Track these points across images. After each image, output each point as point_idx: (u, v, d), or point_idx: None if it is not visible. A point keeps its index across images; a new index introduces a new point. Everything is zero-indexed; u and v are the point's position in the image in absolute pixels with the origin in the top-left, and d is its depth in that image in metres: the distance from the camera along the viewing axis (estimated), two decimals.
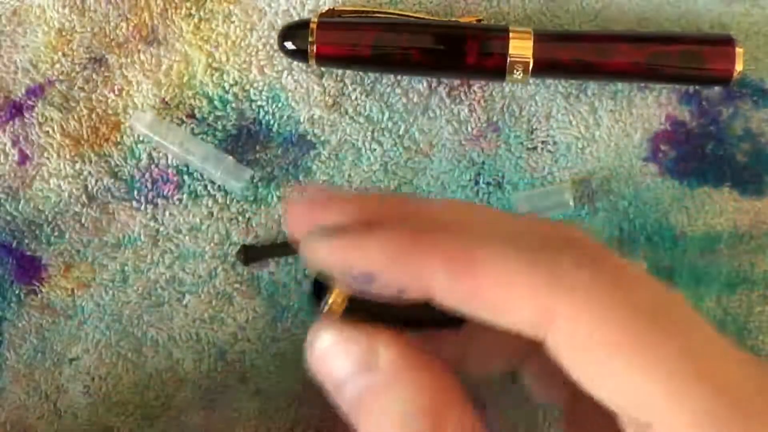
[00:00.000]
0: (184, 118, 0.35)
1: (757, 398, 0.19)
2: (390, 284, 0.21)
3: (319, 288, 0.22)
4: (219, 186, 0.35)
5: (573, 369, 0.19)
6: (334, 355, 0.21)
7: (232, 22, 0.35)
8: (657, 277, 0.21)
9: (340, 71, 0.35)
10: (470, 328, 0.22)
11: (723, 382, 0.19)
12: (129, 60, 0.35)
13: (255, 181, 0.35)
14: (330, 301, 0.21)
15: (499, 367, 0.27)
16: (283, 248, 0.35)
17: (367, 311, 0.22)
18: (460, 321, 0.23)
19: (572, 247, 0.20)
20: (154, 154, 0.35)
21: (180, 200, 0.35)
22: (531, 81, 0.35)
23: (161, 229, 0.35)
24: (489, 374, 0.28)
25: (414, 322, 0.23)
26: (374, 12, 0.35)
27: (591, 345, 0.19)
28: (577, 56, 0.34)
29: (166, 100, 0.35)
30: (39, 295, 0.34)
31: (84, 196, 0.35)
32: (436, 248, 0.20)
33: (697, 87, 0.35)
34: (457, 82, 0.35)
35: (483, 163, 0.35)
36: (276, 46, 0.35)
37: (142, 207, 0.35)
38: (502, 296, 0.20)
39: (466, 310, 0.20)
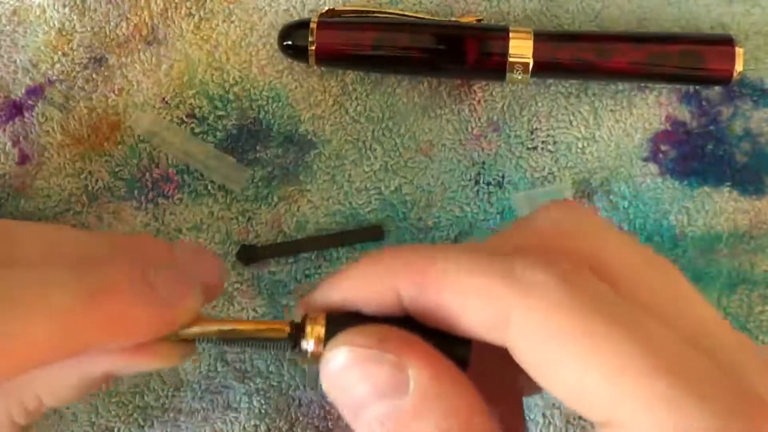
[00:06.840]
0: (184, 117, 0.35)
1: (718, 382, 0.18)
2: (374, 308, 0.21)
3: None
4: (219, 186, 0.35)
5: (530, 367, 0.19)
6: (352, 376, 0.20)
7: (233, 22, 0.35)
8: None
9: (340, 71, 0.35)
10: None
11: (680, 370, 0.18)
12: (129, 60, 0.35)
13: (255, 180, 0.35)
14: (309, 338, 0.21)
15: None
16: (283, 248, 0.35)
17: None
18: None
19: (525, 250, 0.20)
20: (155, 153, 0.35)
21: (180, 200, 0.35)
22: (531, 81, 0.35)
23: (162, 228, 0.35)
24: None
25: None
26: (374, 12, 0.35)
27: (543, 340, 0.19)
28: (577, 56, 0.34)
29: (166, 99, 0.35)
30: None
31: (84, 196, 0.35)
32: (397, 263, 0.20)
33: (697, 87, 0.35)
34: (457, 82, 0.35)
35: (483, 162, 0.35)
36: (276, 46, 0.35)
37: (143, 206, 0.35)
38: (462, 301, 0.20)
39: (434, 320, 0.20)
